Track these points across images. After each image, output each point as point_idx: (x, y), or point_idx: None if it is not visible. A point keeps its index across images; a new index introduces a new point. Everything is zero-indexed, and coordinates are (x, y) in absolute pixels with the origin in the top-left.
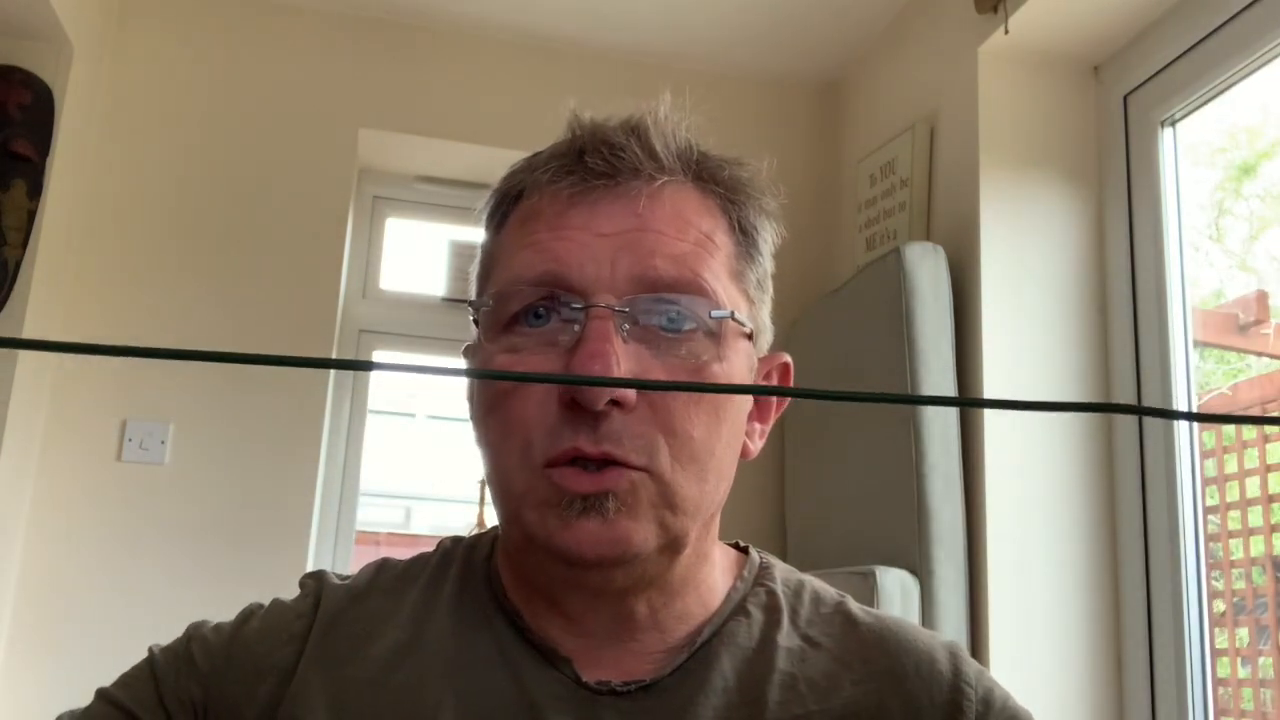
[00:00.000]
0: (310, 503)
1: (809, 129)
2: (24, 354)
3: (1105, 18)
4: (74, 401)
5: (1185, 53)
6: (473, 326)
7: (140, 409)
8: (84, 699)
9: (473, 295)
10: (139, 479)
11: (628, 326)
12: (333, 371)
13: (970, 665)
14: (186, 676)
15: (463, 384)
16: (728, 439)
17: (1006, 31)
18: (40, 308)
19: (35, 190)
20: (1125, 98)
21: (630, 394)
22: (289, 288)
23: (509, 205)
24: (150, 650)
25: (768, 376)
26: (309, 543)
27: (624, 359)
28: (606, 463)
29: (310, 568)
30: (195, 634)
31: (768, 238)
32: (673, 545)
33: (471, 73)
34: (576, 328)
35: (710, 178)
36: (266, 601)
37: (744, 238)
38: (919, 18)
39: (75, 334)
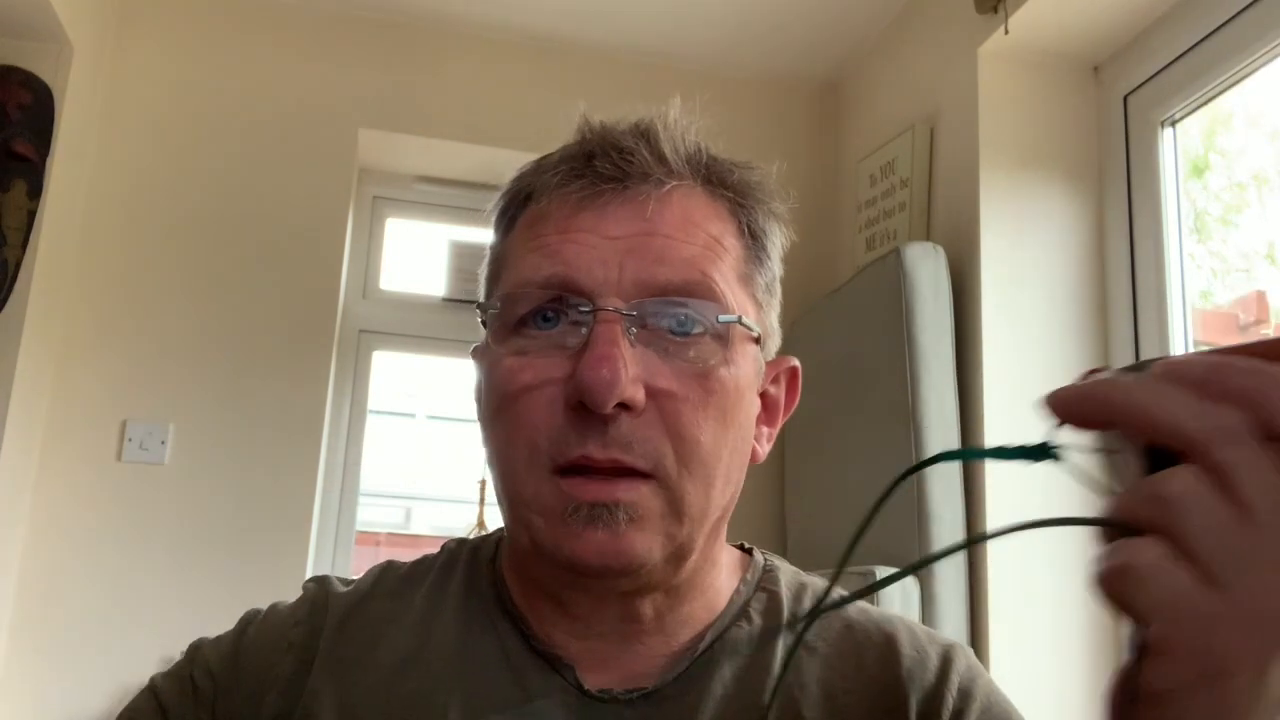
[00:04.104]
0: (310, 503)
1: (809, 129)
2: (24, 354)
3: (1105, 18)
4: (74, 401)
5: (1185, 53)
6: (481, 328)
7: (140, 409)
8: (83, 699)
9: (481, 297)
10: (139, 479)
11: (635, 330)
12: (332, 371)
13: (957, 671)
14: (193, 703)
15: (469, 383)
16: (735, 444)
17: (1006, 31)
18: (40, 308)
19: (35, 190)
20: (1125, 98)
21: (639, 395)
22: (289, 288)
23: (517, 208)
24: (152, 681)
25: (776, 380)
26: (309, 543)
27: (631, 362)
28: (615, 471)
29: (310, 568)
30: (196, 656)
31: (776, 241)
32: (679, 553)
33: (471, 73)
34: (584, 331)
35: (719, 181)
36: (266, 603)
37: (753, 241)
38: (919, 18)
39: (75, 334)
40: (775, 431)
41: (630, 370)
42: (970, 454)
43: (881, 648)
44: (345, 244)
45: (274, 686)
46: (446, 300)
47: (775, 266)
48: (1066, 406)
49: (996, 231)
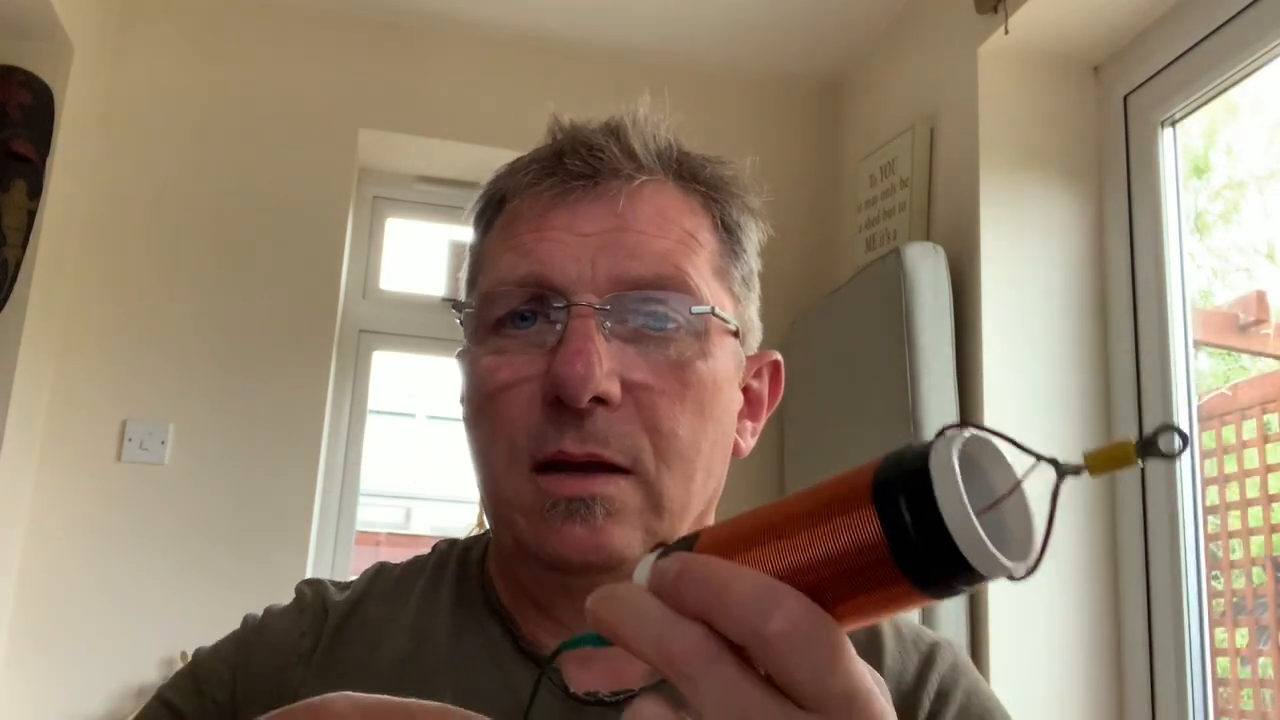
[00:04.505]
0: (310, 503)
1: (809, 129)
2: (24, 354)
3: (1105, 18)
4: (74, 401)
5: (1185, 53)
6: (460, 329)
7: (140, 409)
8: (84, 699)
9: (462, 299)
10: (139, 479)
11: (610, 324)
12: (332, 371)
13: (937, 672)
14: (213, 715)
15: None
16: (715, 437)
17: (1006, 31)
18: (40, 308)
19: (35, 190)
20: (1125, 98)
21: (614, 389)
22: (289, 288)
23: (493, 211)
24: (161, 695)
25: (758, 375)
26: (309, 543)
27: (606, 357)
28: (593, 466)
29: (310, 567)
30: (201, 670)
31: (752, 235)
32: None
33: (470, 73)
34: (559, 328)
35: (691, 176)
36: (265, 604)
37: (727, 235)
38: (919, 18)
39: (75, 334)
40: (759, 426)
41: (605, 364)
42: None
43: (864, 646)
44: (345, 244)
45: (286, 699)
46: (446, 300)
47: (752, 261)
48: (588, 617)
49: (996, 231)
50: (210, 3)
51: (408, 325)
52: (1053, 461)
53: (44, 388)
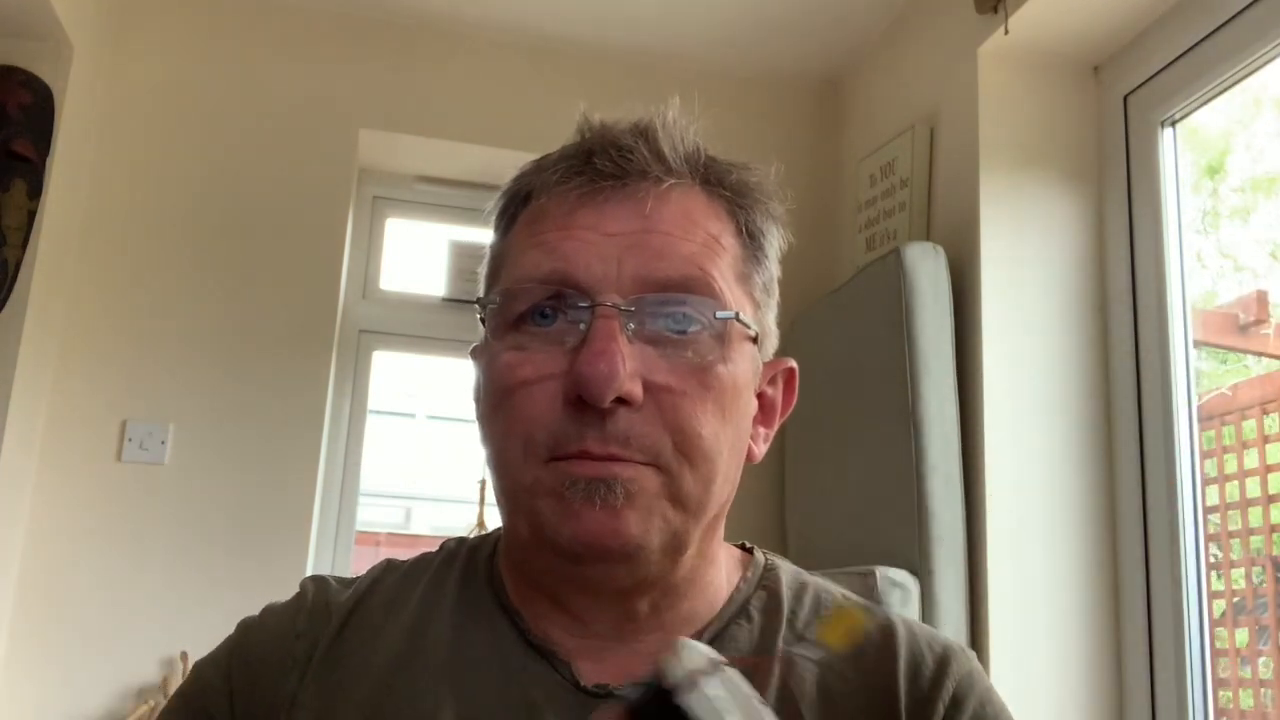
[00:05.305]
0: (310, 503)
1: (809, 129)
2: (24, 354)
3: (1105, 18)
4: (74, 401)
5: (1185, 53)
6: (480, 326)
7: (140, 409)
8: (84, 699)
9: (481, 295)
10: (139, 479)
11: (633, 326)
12: (332, 371)
13: (952, 678)
14: None
15: (469, 383)
16: (733, 441)
17: (1006, 32)
18: (40, 308)
19: (35, 190)
20: (1125, 98)
21: (637, 390)
22: (289, 288)
23: (517, 206)
24: (162, 718)
25: (773, 381)
26: (309, 543)
27: (629, 358)
28: (613, 462)
29: (311, 567)
30: (199, 684)
31: (774, 242)
32: (675, 544)
33: (471, 73)
34: (582, 327)
35: (718, 181)
36: (263, 605)
37: (750, 241)
38: (919, 18)
39: (75, 334)
40: (772, 432)
41: (628, 365)
42: None
43: (880, 649)
44: (345, 244)
45: (284, 707)
46: (446, 300)
47: (773, 267)
48: None
49: (996, 231)
50: (210, 3)
51: (408, 325)
52: (730, 662)
53: (44, 388)
